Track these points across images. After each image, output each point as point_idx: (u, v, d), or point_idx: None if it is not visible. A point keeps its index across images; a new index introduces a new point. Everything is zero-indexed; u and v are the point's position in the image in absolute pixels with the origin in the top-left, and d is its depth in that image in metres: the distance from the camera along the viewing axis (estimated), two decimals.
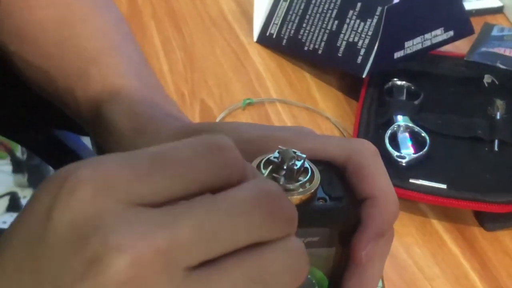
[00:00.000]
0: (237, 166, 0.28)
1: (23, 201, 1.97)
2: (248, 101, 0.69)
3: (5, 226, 1.89)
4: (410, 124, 0.65)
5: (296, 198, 0.35)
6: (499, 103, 0.68)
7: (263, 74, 0.74)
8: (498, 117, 0.67)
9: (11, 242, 0.27)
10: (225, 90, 0.72)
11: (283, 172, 0.35)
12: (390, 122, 0.66)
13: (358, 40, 0.70)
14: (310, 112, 0.70)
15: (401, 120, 0.66)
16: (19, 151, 2.00)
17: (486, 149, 0.64)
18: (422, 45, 0.72)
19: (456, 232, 0.58)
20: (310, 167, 0.36)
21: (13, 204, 1.94)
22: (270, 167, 0.35)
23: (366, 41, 0.70)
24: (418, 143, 0.64)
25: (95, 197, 0.25)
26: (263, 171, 0.35)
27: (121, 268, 0.24)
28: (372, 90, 0.70)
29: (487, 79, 0.72)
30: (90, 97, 0.51)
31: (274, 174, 0.35)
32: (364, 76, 0.69)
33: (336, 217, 0.37)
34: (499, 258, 0.56)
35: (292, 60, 0.77)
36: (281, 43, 0.77)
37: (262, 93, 0.72)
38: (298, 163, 0.35)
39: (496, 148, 0.64)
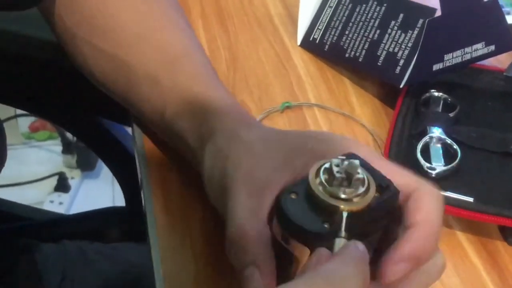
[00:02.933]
0: None
1: (71, 182, 2.02)
2: (286, 104, 0.72)
3: (53, 205, 1.95)
4: (443, 136, 0.66)
5: (367, 204, 0.41)
6: None
7: (303, 78, 0.76)
8: None
9: None
10: (265, 91, 0.74)
11: (351, 184, 0.41)
12: (424, 133, 0.67)
13: (398, 51, 0.72)
14: (346, 118, 0.72)
15: (434, 131, 0.67)
16: None
17: None
18: (462, 59, 0.73)
19: (480, 245, 0.60)
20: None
21: (61, 184, 2.00)
22: (342, 188, 0.41)
23: (406, 52, 0.71)
24: (449, 155, 0.65)
25: None
26: (338, 190, 0.41)
27: None
28: (409, 100, 0.71)
29: None
30: (178, 89, 0.57)
31: (352, 196, 0.41)
32: (401, 86, 0.70)
33: (392, 202, 0.44)
34: None
35: (333, 66, 0.78)
36: (323, 49, 0.79)
37: (301, 97, 0.74)
38: (361, 173, 0.41)
39: None
